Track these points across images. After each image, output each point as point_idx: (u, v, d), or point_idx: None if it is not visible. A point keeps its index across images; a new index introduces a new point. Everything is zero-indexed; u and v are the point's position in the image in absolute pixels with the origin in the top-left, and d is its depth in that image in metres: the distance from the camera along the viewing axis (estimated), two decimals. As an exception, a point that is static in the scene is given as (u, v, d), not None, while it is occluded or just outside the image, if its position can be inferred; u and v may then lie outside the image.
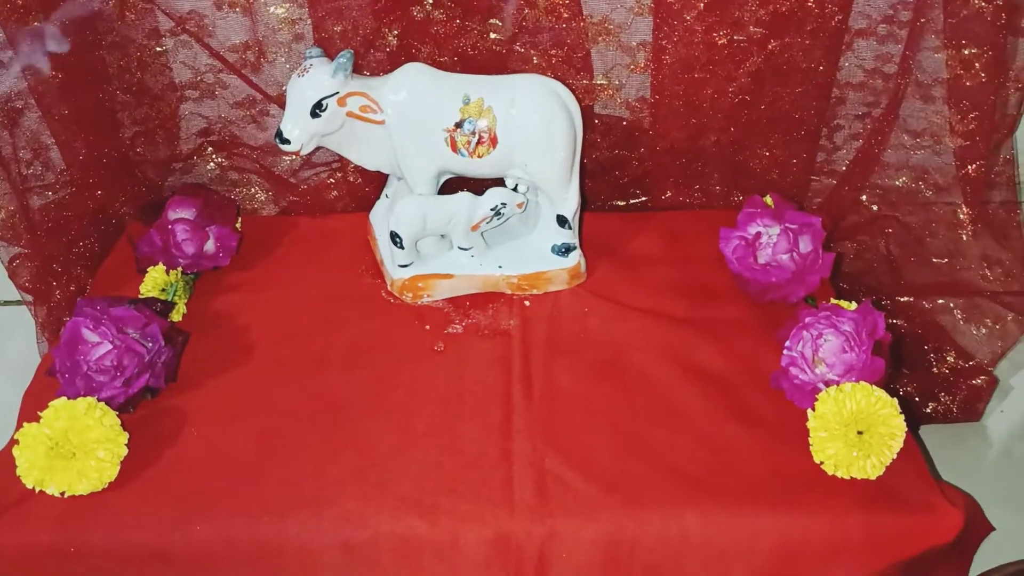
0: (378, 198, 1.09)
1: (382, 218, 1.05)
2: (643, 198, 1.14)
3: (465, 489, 0.82)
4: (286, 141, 0.92)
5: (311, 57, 0.93)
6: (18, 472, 0.80)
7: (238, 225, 1.09)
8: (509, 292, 1.02)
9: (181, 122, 1.08)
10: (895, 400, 0.82)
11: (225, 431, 0.87)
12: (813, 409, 0.83)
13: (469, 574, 0.81)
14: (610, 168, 1.11)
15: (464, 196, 0.98)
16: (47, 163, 1.04)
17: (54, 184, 1.05)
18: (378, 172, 1.03)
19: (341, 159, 1.09)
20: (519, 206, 1.00)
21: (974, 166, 0.98)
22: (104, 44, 1.00)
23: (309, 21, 0.99)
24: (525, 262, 1.02)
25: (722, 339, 0.96)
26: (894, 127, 1.01)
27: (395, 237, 0.98)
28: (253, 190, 1.14)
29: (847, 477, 0.81)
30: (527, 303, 1.01)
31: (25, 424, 0.82)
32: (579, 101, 0.95)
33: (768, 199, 1.02)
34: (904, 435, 0.81)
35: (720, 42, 0.97)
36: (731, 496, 0.81)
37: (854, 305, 0.89)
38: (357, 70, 0.95)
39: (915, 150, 1.03)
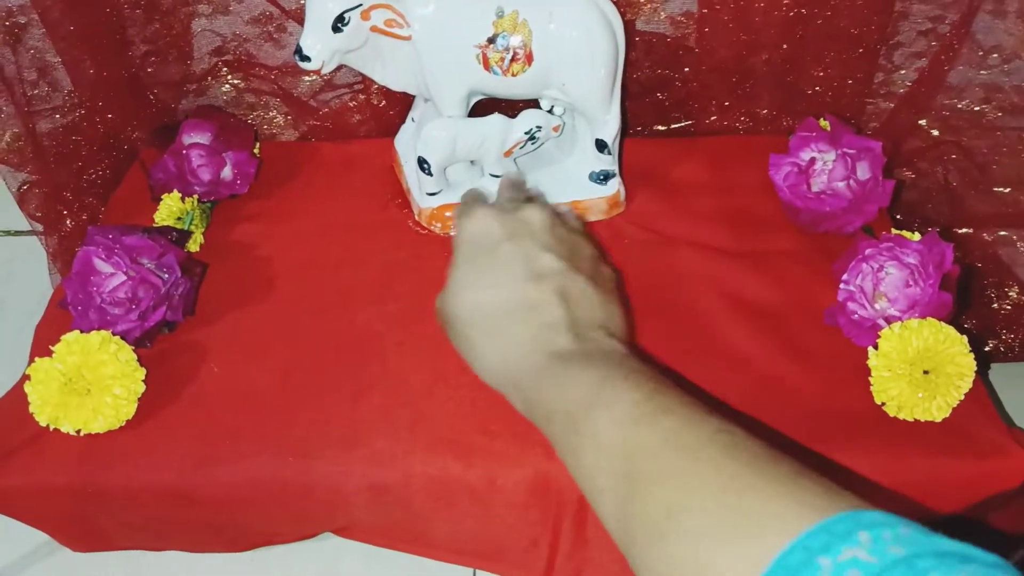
0: (403, 122, 1.02)
1: (408, 143, 0.99)
2: (686, 122, 1.07)
3: (502, 429, 0.77)
4: (306, 58, 0.86)
5: (332, -34, 0.86)
6: (31, 409, 0.76)
7: (256, 151, 1.03)
8: (544, 222, 0.96)
9: (193, 40, 1.01)
10: (964, 338, 0.76)
11: (247, 367, 0.83)
12: (875, 347, 0.77)
13: (506, 517, 0.77)
14: (651, 89, 1.04)
15: (496, 119, 0.91)
16: (54, 84, 0.98)
17: (62, 107, 0.99)
18: (404, 94, 0.96)
19: (364, 80, 1.02)
20: (555, 129, 0.94)
21: (1052, 84, 0.90)
22: (109, -46, 0.94)
23: (329, -73, 0.92)
24: (561, 190, 0.95)
25: (772, 271, 0.90)
26: (964, 44, 0.93)
27: (423, 163, 0.92)
28: (271, 114, 1.08)
29: (910, 419, 0.76)
30: (563, 234, 0.95)
31: (37, 359, 0.77)
32: (621, 15, 0.88)
33: (824, 122, 0.95)
34: (974, 375, 0.75)
35: (776, -51, 0.89)
36: (785, 438, 0.76)
37: (918, 236, 0.83)
38: (382, -20, 0.88)
39: (982, 69, 0.96)
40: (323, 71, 0.87)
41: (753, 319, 0.86)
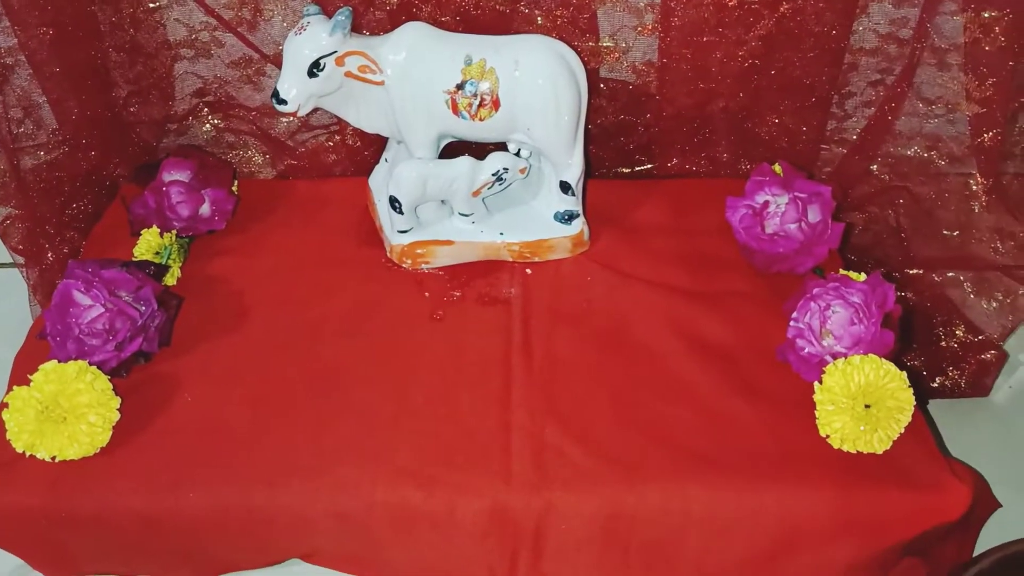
0: (377, 162, 1.06)
1: (381, 183, 1.03)
2: (648, 165, 1.11)
3: (462, 460, 0.80)
4: (283, 102, 0.90)
5: (309, 15, 0.90)
6: (8, 436, 0.79)
7: (234, 188, 1.07)
8: (510, 260, 1.00)
9: (176, 82, 1.05)
10: (904, 373, 0.80)
11: (219, 397, 0.86)
12: (820, 382, 0.81)
13: (465, 546, 0.80)
14: (615, 134, 1.08)
15: (465, 161, 0.95)
16: (39, 122, 1.01)
17: (46, 144, 1.03)
18: (377, 135, 1.00)
19: (340, 122, 1.06)
20: (521, 172, 0.98)
21: (990, 135, 0.95)
22: (96, 0, 0.97)
23: (307, -23, 0.96)
24: (527, 229, 1.00)
25: (727, 310, 0.94)
26: (908, 94, 0.98)
27: (394, 202, 0.96)
28: (250, 153, 1.12)
29: (853, 451, 0.79)
30: (528, 271, 0.99)
31: (15, 387, 0.80)
32: (584, 64, 0.92)
33: (777, 167, 0.99)
34: (912, 409, 0.79)
35: (731, 4, 0.94)
36: (734, 470, 0.79)
37: (863, 276, 0.87)
38: (356, 29, 0.93)
39: (928, 118, 1.01)
40: (299, 114, 0.92)
41: (707, 356, 0.89)
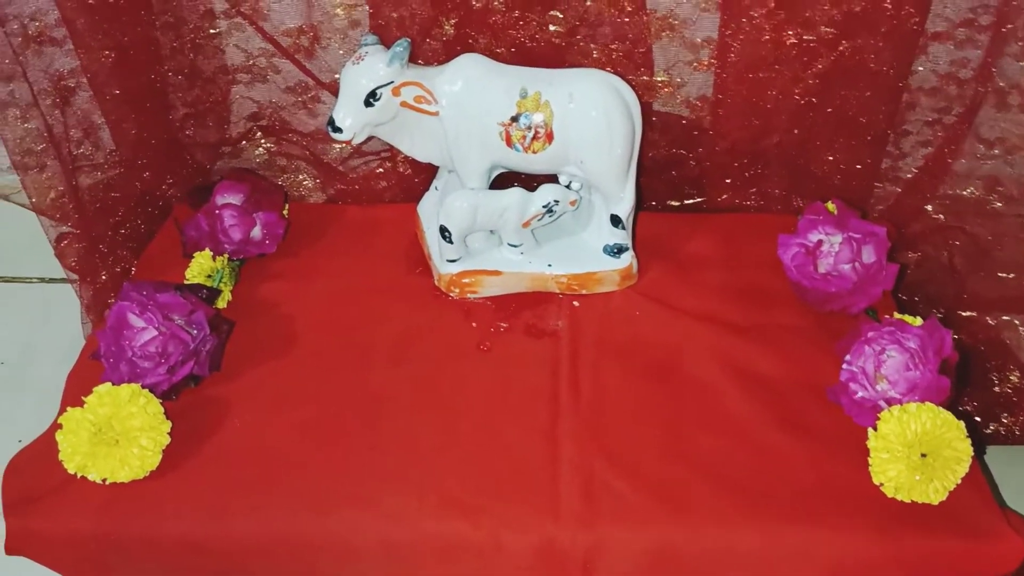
0: (427, 190, 1.07)
1: (431, 211, 1.03)
2: (699, 199, 1.11)
3: (510, 492, 0.80)
4: (338, 130, 0.91)
5: (366, 44, 0.91)
6: (60, 457, 0.80)
7: (285, 212, 1.08)
8: (558, 292, 0.99)
9: (231, 105, 1.07)
10: (962, 423, 0.78)
11: (268, 422, 0.86)
12: (875, 428, 0.79)
13: (511, 580, 0.79)
14: (667, 167, 1.08)
15: (516, 192, 0.95)
16: (97, 143, 1.03)
17: (103, 164, 1.05)
18: (429, 163, 1.01)
19: (391, 148, 1.07)
20: (572, 204, 0.98)
21: (1052, 180, 0.94)
22: (158, 24, 0.99)
23: (366, 7, 0.97)
24: (576, 261, 0.99)
25: (777, 347, 0.93)
26: (968, 135, 0.96)
27: (444, 231, 0.96)
28: (301, 177, 1.13)
29: (907, 500, 0.78)
30: (576, 304, 0.98)
31: (69, 408, 0.81)
32: (638, 98, 0.92)
33: (830, 205, 0.98)
34: (970, 460, 0.78)
35: (789, 41, 0.93)
36: (783, 509, 0.78)
37: (919, 320, 0.86)
38: (412, 59, 0.93)
39: (986, 159, 0.99)
40: (353, 142, 0.92)
41: (756, 392, 0.88)
